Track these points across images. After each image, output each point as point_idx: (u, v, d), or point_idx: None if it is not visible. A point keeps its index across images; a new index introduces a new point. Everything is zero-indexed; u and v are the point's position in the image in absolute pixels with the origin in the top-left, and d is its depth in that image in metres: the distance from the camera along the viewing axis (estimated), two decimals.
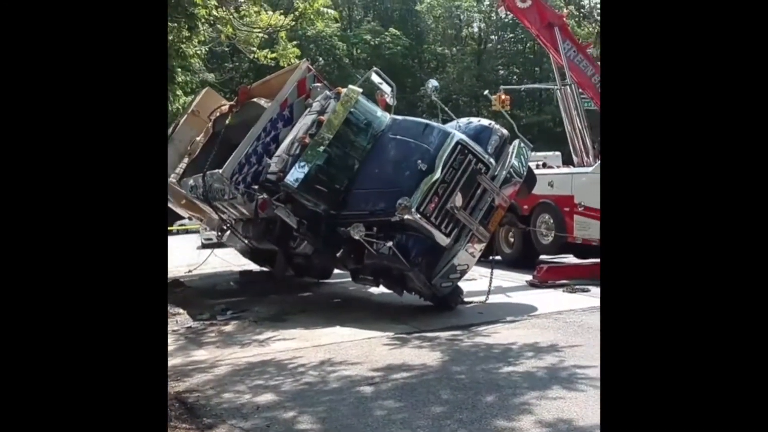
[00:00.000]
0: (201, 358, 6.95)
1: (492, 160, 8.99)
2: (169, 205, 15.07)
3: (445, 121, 10.22)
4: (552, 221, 12.47)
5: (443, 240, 8.53)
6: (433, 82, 10.99)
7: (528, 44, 42.69)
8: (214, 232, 15.33)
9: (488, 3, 42.21)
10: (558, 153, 20.42)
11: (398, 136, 9.58)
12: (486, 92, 14.82)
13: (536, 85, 34.51)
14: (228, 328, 8.54)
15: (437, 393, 5.23)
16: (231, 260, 14.82)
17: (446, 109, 11.27)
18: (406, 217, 8.36)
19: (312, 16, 9.80)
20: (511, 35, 45.61)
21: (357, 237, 8.42)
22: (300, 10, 9.75)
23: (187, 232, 30.38)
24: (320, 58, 38.80)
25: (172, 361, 6.76)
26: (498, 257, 12.72)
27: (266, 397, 5.33)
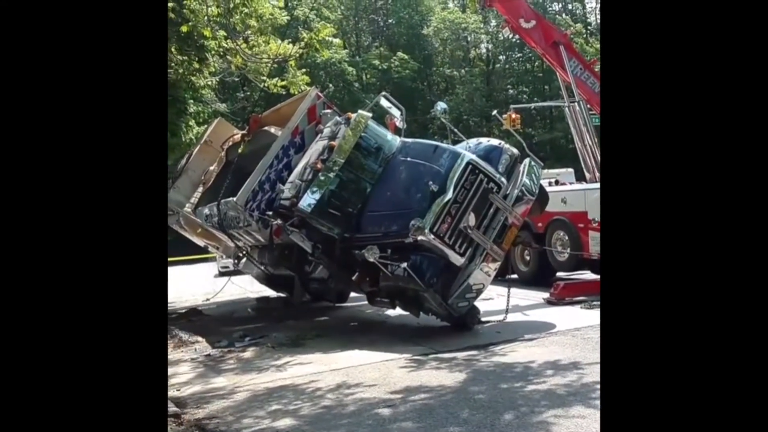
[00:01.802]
0: (220, 384, 6.98)
1: (503, 179, 9.02)
2: (185, 234, 15.25)
3: (455, 142, 10.29)
4: (567, 238, 12.44)
5: (458, 260, 8.54)
6: (441, 105, 11.09)
7: (536, 63, 42.85)
8: (231, 260, 15.43)
9: (495, 24, 42.51)
10: (571, 170, 20.39)
11: (409, 159, 9.66)
12: (494, 113, 14.87)
13: (545, 103, 34.61)
14: (246, 354, 8.57)
15: (456, 413, 5.22)
16: (248, 287, 14.89)
17: (455, 130, 11.34)
18: (419, 238, 8.39)
19: (317, 46, 9.98)
20: (519, 55, 45.88)
21: (371, 259, 8.46)
22: (306, 40, 9.94)
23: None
24: (330, 84, 39.14)
25: (191, 389, 6.82)
26: (514, 276, 12.70)
27: (285, 422, 5.35)
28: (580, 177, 16.30)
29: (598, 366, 6.22)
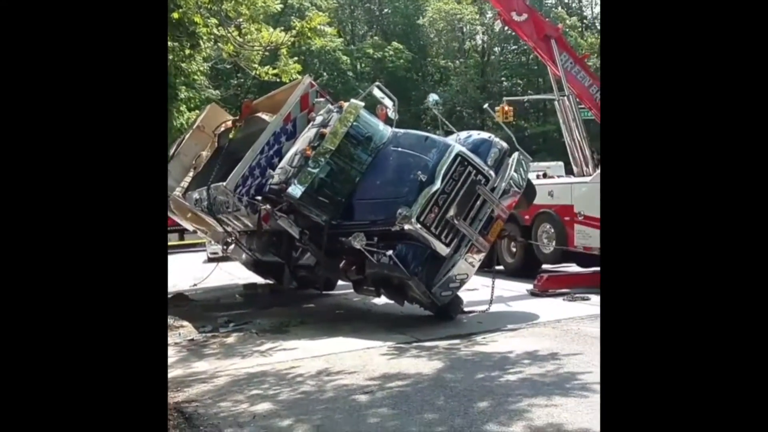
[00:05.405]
0: (201, 369, 7.04)
1: (491, 172, 9.09)
2: (175, 218, 15.26)
3: (448, 134, 10.35)
4: (553, 231, 12.52)
5: (443, 249, 8.61)
6: (433, 96, 11.15)
7: (531, 55, 42.75)
8: (220, 246, 15.45)
9: (491, 15, 42.44)
10: (560, 163, 20.50)
11: (399, 149, 9.72)
12: (486, 105, 14.87)
13: (537, 96, 34.64)
14: (230, 340, 8.64)
15: (431, 401, 5.31)
16: (236, 273, 14.92)
17: (446, 122, 11.39)
18: (406, 227, 8.47)
19: (309, 34, 9.98)
20: (514, 47, 45.83)
21: (358, 246, 8.53)
22: (298, 28, 9.93)
23: None
24: (324, 73, 39.11)
25: (173, 373, 6.86)
26: (500, 267, 12.78)
27: (263, 407, 5.42)
28: (569, 170, 16.38)
29: (576, 357, 6.39)
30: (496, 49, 48.31)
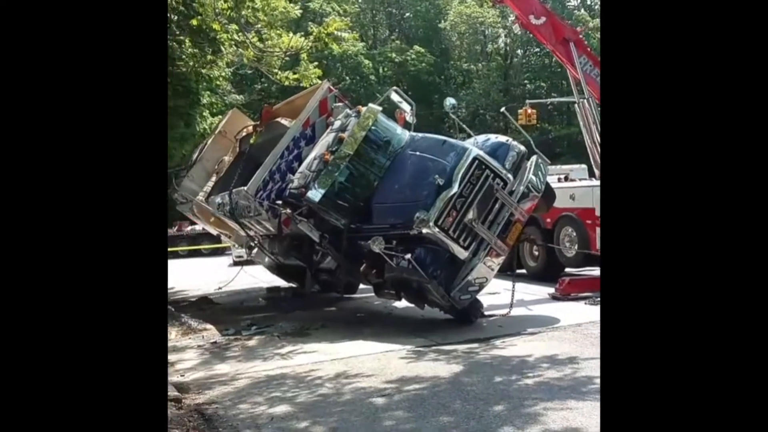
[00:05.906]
0: (223, 371, 7.14)
1: (509, 176, 9.08)
2: (198, 222, 15.47)
3: (470, 137, 10.38)
4: (575, 234, 12.46)
5: (461, 253, 8.63)
6: (450, 100, 11.15)
7: (554, 58, 42.46)
8: (244, 250, 15.61)
9: (512, 18, 42.26)
10: (584, 166, 20.28)
11: (417, 153, 9.76)
12: (503, 109, 14.84)
13: (559, 99, 34.37)
14: (251, 342, 8.74)
15: (447, 404, 5.33)
16: (260, 277, 15.07)
17: (463, 125, 11.41)
18: (424, 230, 8.50)
19: (326, 40, 10.10)
20: (537, 49, 45.49)
21: (377, 250, 8.58)
22: (315, 34, 10.05)
23: None
24: (347, 77, 39.27)
25: (195, 375, 7.00)
26: (523, 271, 12.73)
27: (281, 408, 5.49)
28: (593, 173, 16.25)
29: (595, 361, 6.35)
30: (518, 51, 48.08)
